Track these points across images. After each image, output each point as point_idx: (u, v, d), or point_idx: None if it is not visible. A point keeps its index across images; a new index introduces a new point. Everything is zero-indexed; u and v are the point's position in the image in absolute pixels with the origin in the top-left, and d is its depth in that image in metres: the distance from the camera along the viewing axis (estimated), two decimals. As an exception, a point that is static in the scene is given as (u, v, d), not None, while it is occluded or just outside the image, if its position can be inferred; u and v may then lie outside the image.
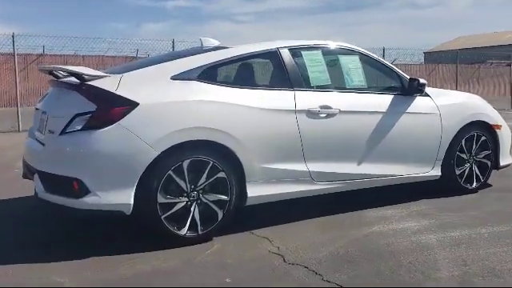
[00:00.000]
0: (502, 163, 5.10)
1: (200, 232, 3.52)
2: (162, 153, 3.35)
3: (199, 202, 3.53)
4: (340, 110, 4.08)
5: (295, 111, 3.89)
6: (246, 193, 3.70)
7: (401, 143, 4.41)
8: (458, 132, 4.73)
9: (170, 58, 3.99)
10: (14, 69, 12.15)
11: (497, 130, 5.01)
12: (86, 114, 3.33)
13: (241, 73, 4.15)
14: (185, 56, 3.96)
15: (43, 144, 3.60)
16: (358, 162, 4.22)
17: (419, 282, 2.88)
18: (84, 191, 3.26)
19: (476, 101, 5.19)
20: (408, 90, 4.52)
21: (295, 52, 4.15)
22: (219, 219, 3.59)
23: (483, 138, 4.92)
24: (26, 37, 13.34)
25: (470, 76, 27.45)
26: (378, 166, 4.33)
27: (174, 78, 3.62)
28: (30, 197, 4.46)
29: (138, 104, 3.35)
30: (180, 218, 3.47)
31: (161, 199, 3.38)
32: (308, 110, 3.94)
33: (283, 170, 3.85)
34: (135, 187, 3.32)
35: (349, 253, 3.33)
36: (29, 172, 3.83)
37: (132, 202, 3.32)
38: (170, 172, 3.38)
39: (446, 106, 4.70)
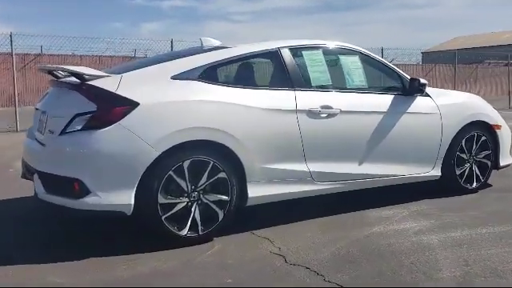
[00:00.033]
0: (501, 163, 5.10)
1: (201, 232, 3.51)
2: (163, 153, 3.34)
3: (200, 202, 3.51)
4: (341, 110, 4.07)
5: (296, 111, 3.88)
6: (246, 193, 3.69)
7: (401, 143, 4.41)
8: (459, 132, 4.73)
9: (170, 57, 3.98)
10: (12, 68, 12.10)
11: (497, 130, 5.01)
12: (86, 113, 3.32)
13: (241, 73, 4.14)
14: (185, 56, 3.94)
15: (43, 144, 3.58)
16: (359, 162, 4.21)
17: (421, 282, 2.87)
18: (84, 192, 3.24)
19: (476, 101, 5.19)
20: (408, 90, 4.52)
21: (296, 52, 4.14)
22: (220, 219, 3.58)
23: (483, 138, 4.92)
24: (24, 36, 13.31)
25: (467, 76, 27.50)
26: (379, 166, 4.32)
27: (175, 77, 3.61)
28: (29, 197, 4.45)
29: (138, 104, 3.34)
30: (180, 218, 3.45)
31: (161, 199, 3.36)
32: (309, 110, 3.93)
33: (284, 170, 3.84)
34: (136, 187, 3.30)
35: (350, 253, 3.32)
36: (28, 172, 3.81)
37: (132, 202, 3.30)
38: (170, 172, 3.37)
39: (447, 105, 4.69)
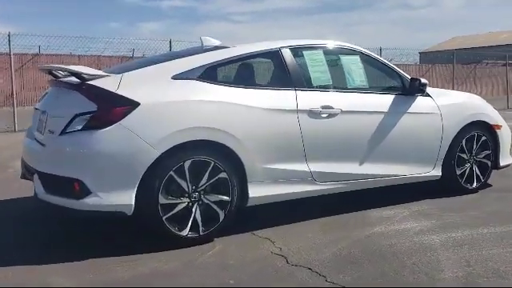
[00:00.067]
0: (502, 163, 5.10)
1: (201, 233, 3.49)
2: (164, 153, 3.33)
3: (201, 202, 3.50)
4: (342, 110, 4.06)
5: (297, 111, 3.86)
6: (247, 193, 3.67)
7: (402, 143, 4.40)
8: (459, 132, 4.73)
9: (170, 57, 3.96)
10: (10, 68, 12.06)
11: (497, 130, 5.01)
12: (86, 113, 3.30)
13: (242, 72, 4.12)
14: (185, 55, 3.93)
15: (43, 144, 3.56)
16: (360, 162, 4.20)
17: (423, 283, 2.86)
18: (85, 192, 3.23)
19: (476, 101, 5.18)
20: (409, 89, 4.51)
21: (297, 52, 4.13)
22: (221, 220, 3.57)
23: (483, 137, 4.92)
24: (22, 36, 13.27)
25: (466, 76, 27.52)
26: (380, 166, 4.31)
27: (175, 77, 3.59)
28: (28, 197, 4.43)
29: (139, 104, 3.32)
30: (181, 218, 3.44)
31: (162, 200, 3.35)
32: (309, 110, 3.92)
33: (285, 170, 3.82)
34: (136, 188, 3.29)
35: (352, 254, 3.31)
36: (28, 172, 3.79)
37: (133, 202, 3.29)
38: (171, 172, 3.36)
39: (447, 105, 4.69)
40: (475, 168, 4.92)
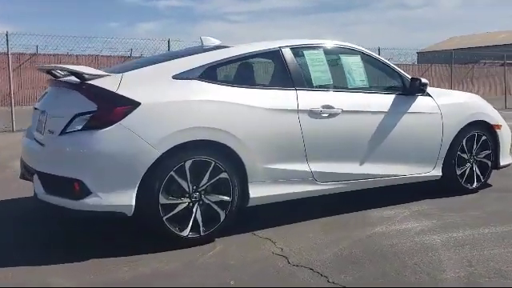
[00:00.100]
0: (502, 163, 5.10)
1: (202, 233, 3.48)
2: (164, 153, 3.31)
3: (201, 202, 3.48)
4: (342, 110, 4.05)
5: (297, 111, 3.85)
6: (248, 193, 3.66)
7: (403, 143, 4.40)
8: (459, 132, 4.72)
9: (170, 57, 3.95)
10: (8, 68, 12.02)
11: (497, 130, 5.00)
12: (86, 113, 3.28)
13: (243, 72, 4.11)
14: (186, 55, 3.91)
15: (42, 144, 3.54)
16: (361, 162, 4.19)
17: (425, 283, 2.86)
18: (85, 192, 3.21)
19: (477, 100, 5.18)
20: (410, 89, 4.51)
21: (297, 51, 4.12)
22: (221, 220, 3.56)
23: (484, 137, 4.91)
24: (20, 36, 13.22)
25: (463, 76, 27.54)
26: (380, 166, 4.31)
27: (176, 77, 3.58)
28: (28, 197, 4.41)
29: (139, 104, 3.30)
30: (182, 219, 3.42)
31: (163, 200, 3.33)
32: (310, 110, 3.91)
33: (285, 170, 3.81)
34: (137, 188, 3.27)
35: (353, 254, 3.30)
36: (27, 172, 3.77)
37: (134, 203, 3.27)
38: (172, 173, 3.34)
39: (447, 105, 4.68)
40: (475, 168, 4.92)
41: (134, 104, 3.30)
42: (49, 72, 3.98)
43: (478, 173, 4.94)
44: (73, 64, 17.58)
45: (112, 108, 3.28)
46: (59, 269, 3.09)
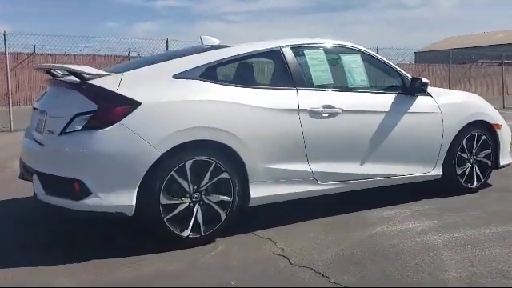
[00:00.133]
0: (501, 163, 5.10)
1: (203, 233, 3.46)
2: (165, 153, 3.29)
3: (202, 203, 3.47)
4: (343, 110, 4.04)
5: (298, 110, 3.84)
6: (248, 193, 3.65)
7: (403, 143, 4.39)
8: (460, 131, 4.72)
9: (171, 56, 3.92)
10: (6, 68, 11.98)
11: (497, 130, 5.00)
12: (86, 113, 3.26)
13: (243, 72, 4.09)
14: (186, 54, 3.90)
15: (42, 144, 3.52)
16: (361, 162, 4.19)
17: (428, 283, 2.85)
18: (85, 193, 3.19)
19: (477, 100, 5.17)
20: (410, 89, 4.50)
21: (298, 51, 4.10)
22: (222, 220, 3.54)
23: (484, 137, 4.91)
24: (17, 35, 13.17)
25: (461, 76, 27.57)
26: (381, 165, 4.30)
27: (176, 76, 3.56)
28: (27, 197, 4.39)
29: (139, 103, 3.29)
30: (182, 219, 3.41)
31: (163, 200, 3.32)
32: (311, 110, 3.90)
33: (286, 170, 3.80)
34: (137, 188, 3.26)
35: (354, 254, 3.29)
36: (26, 173, 3.75)
37: (134, 203, 3.25)
38: (172, 173, 3.32)
39: (448, 105, 4.68)
40: (475, 168, 4.91)
41: (135, 104, 3.28)
42: (48, 71, 3.95)
43: (478, 172, 4.94)
44: (70, 63, 17.56)
45: (112, 108, 3.26)
46: (59, 269, 3.07)
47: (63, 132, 3.30)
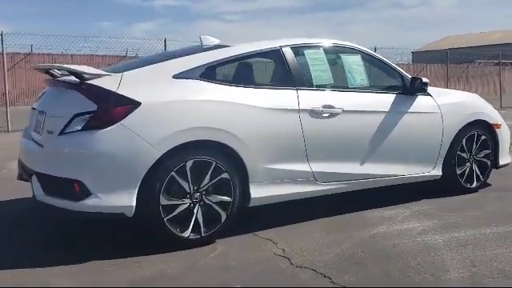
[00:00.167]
0: (501, 162, 5.10)
1: (203, 234, 3.45)
2: (165, 153, 3.28)
3: (202, 203, 3.45)
4: (343, 110, 4.03)
5: (298, 110, 3.83)
6: (249, 194, 3.63)
7: (403, 143, 4.38)
8: (459, 131, 4.72)
9: (170, 56, 3.91)
10: (3, 68, 11.93)
11: (496, 130, 5.00)
12: (86, 113, 3.25)
13: (243, 71, 4.07)
14: (186, 54, 3.88)
15: (41, 145, 3.50)
16: (361, 162, 4.18)
17: (430, 283, 2.84)
18: (85, 193, 3.17)
19: (476, 100, 5.17)
20: (410, 89, 4.50)
21: (298, 50, 4.09)
22: (222, 221, 3.53)
23: (483, 137, 4.91)
24: (14, 35, 13.13)
25: (458, 75, 27.60)
26: (381, 165, 4.29)
27: (176, 76, 3.54)
28: (25, 198, 4.37)
29: (140, 103, 3.27)
30: (183, 220, 3.39)
31: (163, 201, 3.30)
32: (311, 110, 3.89)
33: (286, 170, 3.79)
34: (137, 189, 3.24)
35: (355, 254, 3.28)
36: (25, 173, 3.73)
37: (134, 204, 3.23)
38: (172, 173, 3.31)
39: (448, 105, 4.68)
40: (475, 167, 4.91)
41: (135, 104, 3.26)
42: (47, 71, 3.93)
43: (478, 172, 4.94)
44: (68, 63, 17.50)
45: (112, 108, 3.24)
46: (59, 270, 3.05)
47: (63, 132, 3.28)
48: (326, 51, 4.26)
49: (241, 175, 3.58)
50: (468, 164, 4.87)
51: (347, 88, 4.26)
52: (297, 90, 3.89)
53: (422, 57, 34.88)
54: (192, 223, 3.40)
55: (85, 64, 17.67)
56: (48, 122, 3.48)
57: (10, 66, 18.11)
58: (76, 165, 3.23)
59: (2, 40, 11.73)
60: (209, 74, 3.68)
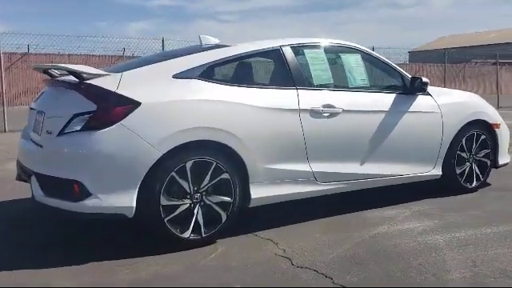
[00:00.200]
0: (500, 162, 5.11)
1: (203, 235, 3.43)
2: (165, 154, 3.26)
3: (202, 203, 3.44)
4: (343, 110, 4.02)
5: (299, 110, 3.82)
6: (249, 194, 3.62)
7: (403, 142, 4.38)
8: (459, 131, 4.71)
9: (170, 56, 3.89)
10: (0, 67, 11.88)
11: (496, 129, 5.01)
12: (85, 113, 3.22)
13: (243, 71, 4.05)
14: (185, 54, 3.86)
15: (40, 145, 3.48)
16: (362, 162, 4.17)
17: (432, 283, 2.83)
18: (85, 194, 3.15)
19: (476, 100, 5.17)
20: (410, 88, 4.49)
21: (298, 50, 4.08)
22: (223, 221, 3.51)
23: (483, 136, 4.91)
24: (11, 35, 13.08)
25: (455, 75, 27.66)
26: (381, 165, 4.28)
27: (176, 76, 3.53)
28: (24, 199, 4.35)
29: (139, 103, 3.25)
30: (183, 220, 3.37)
31: (164, 201, 3.28)
32: (311, 110, 3.87)
33: (287, 170, 3.77)
34: (137, 189, 3.22)
35: (356, 255, 3.27)
36: (24, 174, 3.70)
37: (134, 204, 3.21)
38: (173, 173, 3.29)
39: (447, 104, 4.67)
40: (475, 167, 4.91)
41: (134, 104, 3.24)
42: (45, 71, 3.91)
43: (478, 172, 4.94)
44: (65, 63, 17.43)
45: (112, 108, 3.22)
46: (59, 271, 3.03)
47: (62, 133, 3.26)
48: (326, 51, 4.25)
49: (241, 175, 3.56)
50: (468, 164, 4.87)
51: (347, 88, 4.25)
52: (297, 89, 3.88)
53: (418, 56, 34.95)
54: (192, 224, 3.39)
55: (82, 64, 17.64)
56: (47, 122, 3.45)
57: (7, 65, 18.05)
58: (75, 165, 3.21)
59: (-1, 40, 11.68)
60: (209, 73, 3.66)
